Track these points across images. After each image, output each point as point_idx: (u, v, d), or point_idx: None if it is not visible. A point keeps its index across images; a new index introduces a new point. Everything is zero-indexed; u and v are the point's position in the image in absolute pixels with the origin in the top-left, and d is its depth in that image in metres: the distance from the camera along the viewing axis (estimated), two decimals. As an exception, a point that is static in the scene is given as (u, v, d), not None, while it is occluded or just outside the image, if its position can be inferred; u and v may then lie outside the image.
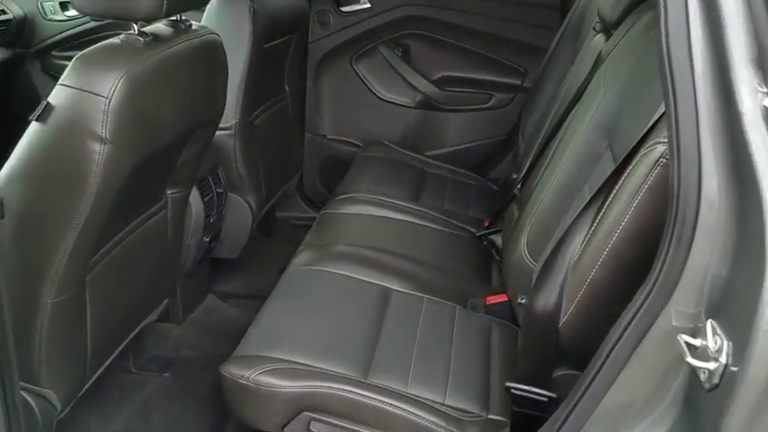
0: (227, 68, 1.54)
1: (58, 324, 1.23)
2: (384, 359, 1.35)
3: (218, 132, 1.86)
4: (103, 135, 1.11)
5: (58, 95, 1.12)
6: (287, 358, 1.29)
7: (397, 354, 1.38)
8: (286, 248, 2.43)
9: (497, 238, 1.81)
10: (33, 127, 1.12)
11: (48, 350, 1.23)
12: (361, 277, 1.61)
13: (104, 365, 1.51)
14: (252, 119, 2.05)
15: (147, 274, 1.60)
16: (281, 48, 2.23)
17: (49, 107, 1.11)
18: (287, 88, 2.37)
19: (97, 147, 1.12)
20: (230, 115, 1.94)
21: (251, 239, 2.20)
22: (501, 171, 2.46)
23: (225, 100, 1.56)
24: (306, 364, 1.28)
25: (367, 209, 1.98)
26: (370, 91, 2.59)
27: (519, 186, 1.77)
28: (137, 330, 1.66)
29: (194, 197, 1.79)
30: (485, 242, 1.86)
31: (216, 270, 2.22)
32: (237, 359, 1.29)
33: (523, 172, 1.78)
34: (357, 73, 2.56)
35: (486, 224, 1.93)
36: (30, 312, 1.19)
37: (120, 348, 1.58)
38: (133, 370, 1.86)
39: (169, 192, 1.60)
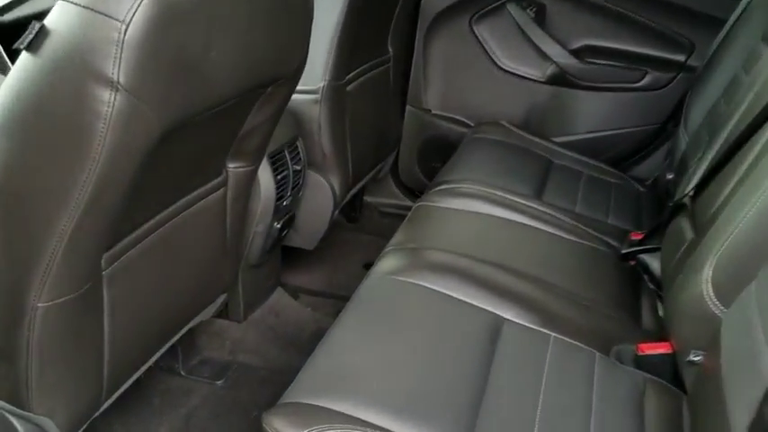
0: (311, 9, 1.16)
1: (56, 334, 0.91)
2: (493, 424, 0.95)
3: (299, 96, 1.52)
4: (115, 77, 0.76)
5: (58, 15, 0.77)
6: (355, 415, 0.91)
7: (511, 417, 0.97)
8: (373, 241, 2.08)
9: (652, 261, 1.34)
10: (22, 60, 0.79)
11: (39, 367, 0.91)
12: (463, 298, 1.20)
13: (133, 378, 1.20)
14: (344, 83, 1.67)
15: (198, 268, 1.27)
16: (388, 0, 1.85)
17: (44, 31, 0.76)
18: (390, 50, 1.98)
19: (106, 94, 0.77)
20: (317, 76, 1.57)
21: (332, 227, 1.84)
22: (648, 168, 1.97)
23: (306, 51, 1.18)
24: (381, 428, 0.89)
25: (474, 204, 1.56)
26: (491, 59, 2.14)
27: (691, 194, 1.29)
28: (184, 330, 1.34)
29: (264, 174, 1.45)
30: (633, 263, 1.40)
31: (288, 261, 1.88)
32: (287, 408, 0.92)
33: (697, 178, 1.30)
34: (477, 36, 2.12)
35: (635, 237, 1.46)
36: (13, 319, 0.87)
37: (161, 351, 1.27)
38: (181, 373, 1.56)
39: (231, 166, 1.25)
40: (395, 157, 2.30)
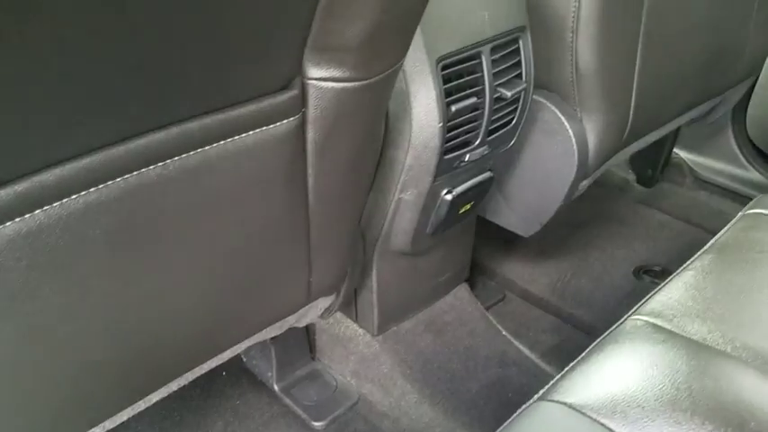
0: None
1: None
2: None
3: None
4: None
5: None
6: None
7: None
8: (668, 227, 1.25)
9: None
10: None
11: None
12: None
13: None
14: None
15: (251, 246, 0.67)
16: None
17: None
18: None
19: None
20: None
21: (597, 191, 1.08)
22: None
23: None
24: None
25: None
26: None
27: None
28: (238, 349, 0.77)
29: (423, 96, 0.74)
30: None
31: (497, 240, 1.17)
32: None
33: None
34: None
35: None
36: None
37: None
38: (275, 387, 1.01)
39: (312, 74, 0.58)
40: (747, 91, 1.32)
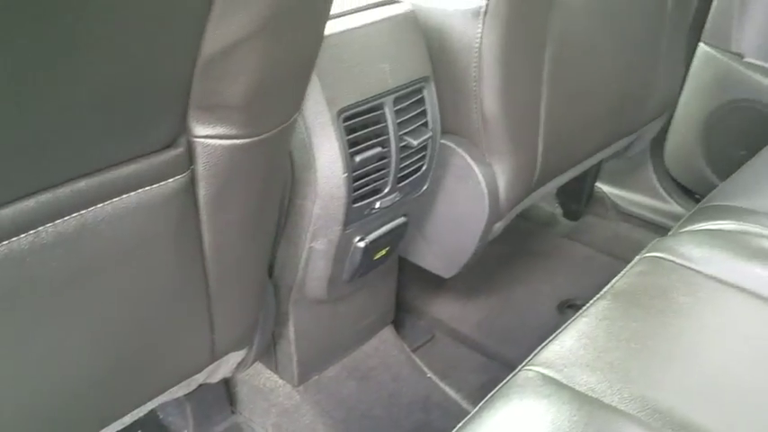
0: None
1: None
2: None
3: (434, 2, 0.78)
4: None
5: None
6: None
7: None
8: (591, 261, 1.28)
9: None
10: None
11: None
12: None
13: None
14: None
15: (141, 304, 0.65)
16: None
17: None
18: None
19: None
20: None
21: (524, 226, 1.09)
22: None
23: None
24: None
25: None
26: None
27: None
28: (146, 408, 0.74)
29: (327, 148, 0.74)
30: None
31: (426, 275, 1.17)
32: None
33: None
34: None
35: None
36: None
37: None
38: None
39: (198, 132, 0.58)
40: (663, 127, 1.37)
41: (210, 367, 0.78)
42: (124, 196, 0.55)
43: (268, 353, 0.97)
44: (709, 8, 1.28)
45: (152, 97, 0.52)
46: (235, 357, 0.82)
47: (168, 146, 0.57)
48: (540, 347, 0.61)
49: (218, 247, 0.65)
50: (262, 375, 0.99)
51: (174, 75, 0.52)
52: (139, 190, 0.56)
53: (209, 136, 0.58)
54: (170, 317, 0.66)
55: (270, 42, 0.51)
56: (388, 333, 1.10)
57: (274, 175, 0.68)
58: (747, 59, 1.27)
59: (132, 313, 0.62)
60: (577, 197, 1.49)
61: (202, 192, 0.61)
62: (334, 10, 0.74)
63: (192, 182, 0.60)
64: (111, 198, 0.54)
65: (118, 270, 0.58)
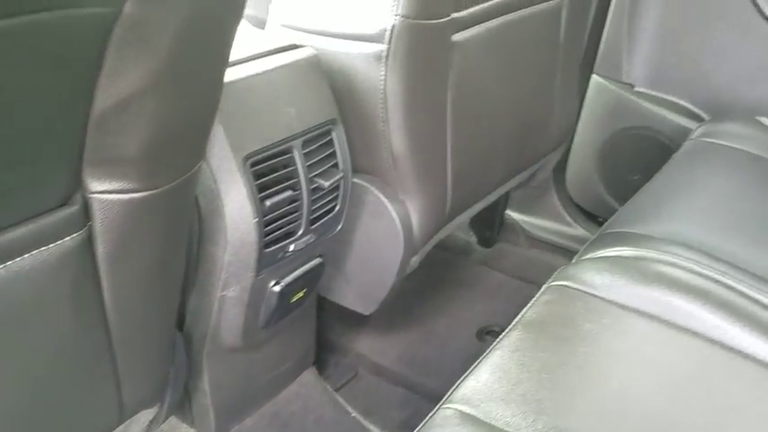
0: None
1: None
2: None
3: (338, 45, 0.78)
4: None
5: None
6: None
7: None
8: (505, 287, 1.31)
9: None
10: None
11: None
12: None
13: None
14: (442, 25, 0.87)
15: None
16: None
17: None
18: (564, -26, 1.11)
19: None
20: (379, 8, 0.79)
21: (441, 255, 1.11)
22: None
23: None
24: None
25: (685, 315, 0.70)
26: (753, 4, 1.18)
27: None
28: None
29: (235, 193, 0.73)
30: None
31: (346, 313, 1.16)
32: None
33: None
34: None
35: None
36: None
37: None
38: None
39: (94, 187, 0.55)
40: (563, 156, 1.44)
41: (120, 428, 0.74)
42: (18, 259, 0.52)
43: (183, 407, 0.93)
44: (599, 41, 1.37)
45: (44, 155, 0.50)
46: (146, 415, 0.78)
47: (63, 204, 0.55)
48: (457, 384, 0.62)
49: (119, 304, 0.62)
50: (178, 431, 0.95)
51: (67, 131, 0.50)
52: (34, 251, 0.53)
53: (105, 191, 0.56)
54: (73, 378, 0.62)
55: (164, 96, 0.50)
56: (309, 375, 1.08)
57: (178, 226, 0.66)
58: (637, 89, 1.35)
59: (32, 375, 0.58)
60: (490, 225, 1.53)
61: (101, 249, 0.58)
62: (235, 56, 0.73)
63: (90, 239, 0.57)
64: (4, 262, 0.51)
65: (14, 334, 0.55)
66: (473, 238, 1.57)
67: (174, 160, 0.58)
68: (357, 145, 0.88)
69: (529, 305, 0.73)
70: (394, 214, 0.92)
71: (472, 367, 0.65)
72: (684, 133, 1.22)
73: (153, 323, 0.68)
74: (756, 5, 1.19)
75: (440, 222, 0.99)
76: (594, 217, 1.49)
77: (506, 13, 0.97)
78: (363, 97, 0.83)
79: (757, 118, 1.15)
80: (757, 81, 1.22)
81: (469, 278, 1.44)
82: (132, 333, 0.65)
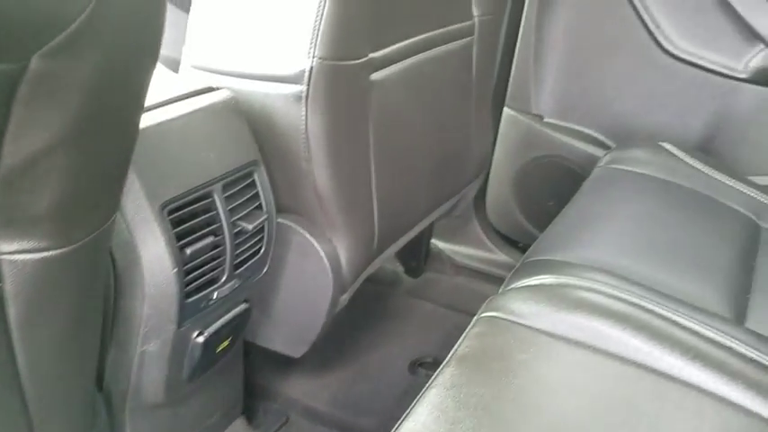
0: None
1: None
2: None
3: (256, 87, 0.77)
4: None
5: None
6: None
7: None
8: (435, 317, 1.31)
9: None
10: None
11: None
12: None
13: None
14: (360, 65, 0.88)
15: None
16: None
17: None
18: (474, 12, 1.16)
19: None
20: (297, 49, 0.79)
21: (370, 288, 1.10)
22: None
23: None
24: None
25: (603, 338, 0.73)
26: (653, 38, 1.27)
27: None
28: None
29: (153, 243, 0.70)
30: None
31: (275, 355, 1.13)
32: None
33: None
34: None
35: None
36: None
37: None
38: None
39: (5, 248, 0.51)
40: (482, 186, 1.48)
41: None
42: None
43: (104, 471, 0.87)
44: (509, 76, 1.42)
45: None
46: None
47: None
48: (396, 426, 0.61)
49: (34, 366, 0.58)
50: (99, 497, 0.88)
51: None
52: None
53: (16, 251, 0.52)
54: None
55: (76, 151, 0.47)
56: (238, 426, 1.04)
57: (94, 282, 0.62)
58: (547, 119, 1.41)
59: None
60: (416, 255, 1.55)
61: (12, 311, 0.54)
62: (149, 101, 0.71)
63: (1, 302, 0.53)
64: None
65: None
66: (400, 269, 1.58)
67: (88, 215, 0.55)
68: (281, 185, 0.87)
69: (461, 339, 0.74)
70: (321, 253, 0.90)
71: (410, 408, 0.64)
72: (593, 160, 1.28)
73: (70, 383, 0.64)
74: (653, 37, 1.28)
75: (368, 258, 0.99)
76: (515, 242, 1.53)
77: (421, 52, 0.99)
78: (285, 137, 0.83)
79: (660, 143, 1.22)
80: (658, 108, 1.31)
81: (399, 310, 1.44)
82: (48, 394, 0.61)
